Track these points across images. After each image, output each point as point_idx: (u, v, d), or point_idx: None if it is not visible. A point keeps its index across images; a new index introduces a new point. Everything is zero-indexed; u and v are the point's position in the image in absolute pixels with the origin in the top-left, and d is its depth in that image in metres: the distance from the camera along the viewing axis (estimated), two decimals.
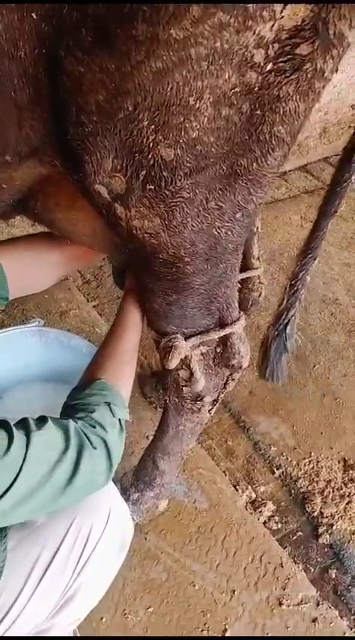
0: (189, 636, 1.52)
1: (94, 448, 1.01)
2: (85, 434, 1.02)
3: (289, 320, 1.37)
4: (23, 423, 0.97)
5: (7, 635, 1.08)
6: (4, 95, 0.86)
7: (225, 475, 1.87)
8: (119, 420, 1.10)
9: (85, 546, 1.12)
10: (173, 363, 1.21)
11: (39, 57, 0.83)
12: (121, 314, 1.28)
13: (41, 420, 0.99)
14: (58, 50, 0.82)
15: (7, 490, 0.89)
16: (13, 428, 0.94)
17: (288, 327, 1.38)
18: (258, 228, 1.39)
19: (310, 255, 1.28)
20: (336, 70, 0.84)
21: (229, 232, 1.01)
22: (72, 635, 1.39)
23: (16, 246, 1.32)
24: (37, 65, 0.84)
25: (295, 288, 1.33)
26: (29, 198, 1.13)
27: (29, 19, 0.79)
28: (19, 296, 1.32)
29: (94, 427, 1.04)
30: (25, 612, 1.08)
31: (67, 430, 0.99)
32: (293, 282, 1.32)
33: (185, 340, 1.22)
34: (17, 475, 0.90)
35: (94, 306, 2.37)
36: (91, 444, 1.01)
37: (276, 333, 1.38)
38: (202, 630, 1.54)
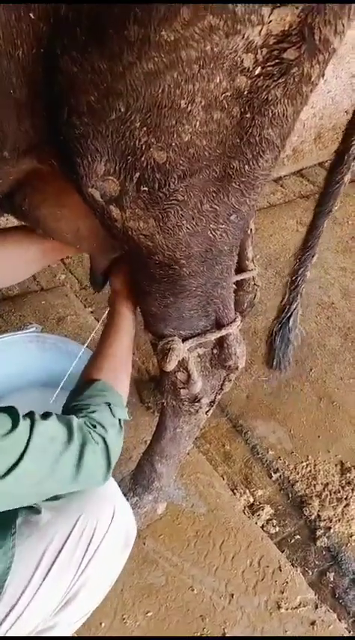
0: (187, 636, 1.51)
1: (96, 444, 1.04)
2: (87, 431, 1.04)
3: (291, 313, 1.44)
4: (28, 414, 1.00)
5: (12, 630, 1.09)
6: (3, 93, 0.88)
7: (223, 479, 1.87)
8: (119, 420, 1.12)
9: (90, 543, 1.14)
10: (171, 365, 1.22)
11: (37, 56, 0.84)
12: (114, 316, 1.29)
13: (45, 415, 1.02)
14: (55, 49, 0.83)
15: (12, 468, 0.91)
16: (19, 414, 0.96)
17: (291, 320, 1.45)
18: (251, 230, 1.41)
19: (308, 253, 1.33)
20: (323, 75, 0.85)
21: (224, 234, 1.03)
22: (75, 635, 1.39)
23: (3, 237, 1.33)
24: (34, 64, 0.85)
25: (295, 284, 1.39)
26: (17, 192, 1.14)
27: (27, 19, 0.81)
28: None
29: (95, 427, 1.06)
30: (31, 607, 1.09)
31: (71, 425, 1.02)
32: (293, 278, 1.38)
33: (182, 342, 1.23)
34: (22, 455, 0.92)
35: (91, 312, 2.38)
36: (93, 439, 1.04)
37: (280, 325, 1.45)
38: (201, 635, 1.53)
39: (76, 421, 1.03)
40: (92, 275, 1.46)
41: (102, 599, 1.28)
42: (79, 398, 1.14)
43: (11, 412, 0.96)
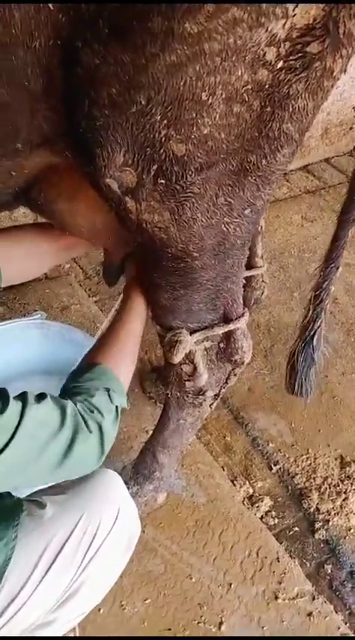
0: (185, 636, 1.52)
1: (90, 432, 1.01)
2: (82, 417, 1.02)
3: (315, 331, 1.35)
4: (22, 396, 0.97)
5: (10, 623, 1.09)
6: (17, 84, 0.87)
7: (223, 470, 1.89)
8: (116, 406, 1.10)
9: (92, 541, 1.13)
10: (178, 357, 1.22)
11: (54, 48, 0.84)
12: (126, 302, 1.28)
13: (40, 396, 0.99)
14: (75, 41, 0.83)
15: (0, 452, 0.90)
16: (10, 396, 0.94)
17: (315, 339, 1.35)
18: (262, 227, 1.40)
19: (332, 265, 1.27)
20: (345, 71, 0.85)
21: (238, 228, 1.03)
22: (73, 630, 1.40)
23: (9, 235, 1.33)
24: (51, 56, 0.85)
25: (319, 299, 1.32)
26: (33, 187, 1.14)
27: (46, 10, 0.80)
28: (11, 284, 1.34)
29: (92, 412, 1.04)
30: (30, 602, 1.09)
31: (65, 410, 0.99)
32: (317, 293, 1.31)
33: (190, 335, 1.23)
34: (8, 441, 0.90)
35: (96, 302, 2.38)
36: (88, 427, 1.01)
37: (303, 345, 1.36)
38: (198, 622, 1.55)
39: (70, 407, 1.01)
40: (106, 270, 1.45)
41: (102, 597, 1.28)
42: (79, 379, 1.12)
43: (3, 394, 0.94)
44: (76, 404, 1.04)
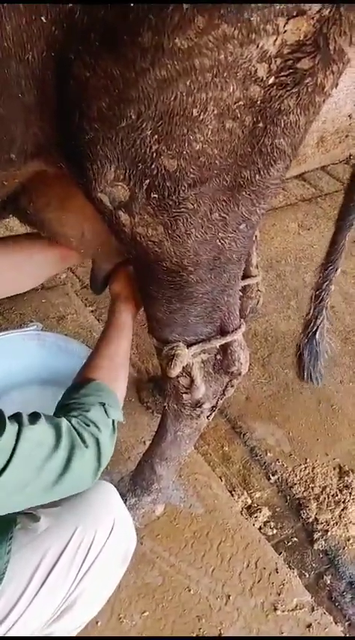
0: (184, 636, 1.52)
1: (86, 447, 1.01)
2: (78, 432, 1.02)
3: (317, 327, 1.46)
4: (16, 417, 0.97)
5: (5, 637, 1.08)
6: (11, 95, 0.87)
7: (221, 480, 1.88)
8: (112, 420, 1.10)
9: (86, 555, 1.13)
10: (175, 371, 1.22)
11: (47, 60, 0.84)
12: (114, 317, 1.28)
13: (34, 417, 0.99)
14: (68, 53, 0.83)
15: None
16: (6, 419, 0.94)
17: (317, 334, 1.47)
18: (256, 236, 1.41)
19: (331, 267, 1.36)
20: (336, 86, 0.85)
21: (233, 243, 1.03)
22: None
23: (4, 246, 1.33)
24: (45, 68, 0.85)
25: (320, 298, 1.42)
26: (22, 196, 1.14)
27: (38, 22, 0.81)
28: (3, 297, 1.34)
29: (88, 425, 1.04)
30: (24, 617, 1.09)
31: (59, 428, 0.99)
32: (317, 293, 1.41)
33: (187, 348, 1.23)
34: (6, 466, 0.90)
35: (92, 311, 2.38)
36: (84, 442, 1.01)
37: (307, 340, 1.48)
38: (197, 635, 1.54)
39: (64, 424, 1.00)
40: (93, 279, 1.46)
41: (98, 610, 1.27)
42: (74, 396, 1.12)
43: None
44: (71, 419, 1.04)
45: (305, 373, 1.53)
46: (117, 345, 1.24)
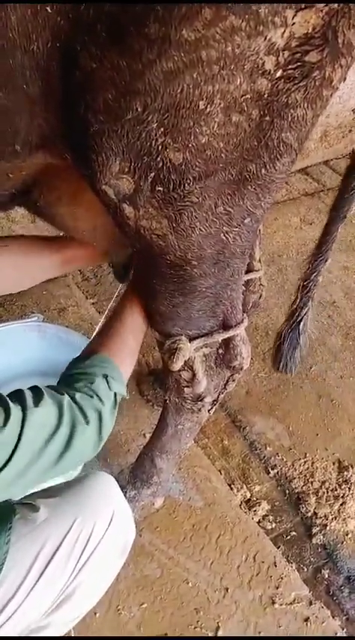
0: (185, 636, 1.52)
1: (87, 423, 1.00)
2: (81, 406, 1.01)
3: (302, 317, 1.45)
4: (19, 398, 0.96)
5: (4, 628, 1.09)
6: (15, 87, 0.87)
7: (221, 474, 1.89)
8: (115, 393, 1.09)
9: (85, 546, 1.13)
10: (177, 365, 1.22)
11: (52, 50, 0.83)
12: (130, 302, 1.26)
13: (37, 395, 0.98)
14: (74, 45, 0.82)
15: (3, 467, 0.89)
16: (10, 404, 0.93)
17: (301, 324, 1.47)
18: (260, 230, 1.40)
19: (321, 258, 1.35)
20: (344, 80, 0.84)
21: (237, 237, 1.02)
22: (68, 634, 1.40)
23: (9, 245, 1.32)
24: (50, 59, 0.84)
25: (307, 289, 1.41)
26: (33, 190, 1.14)
27: (43, 13, 0.80)
28: (4, 294, 1.33)
29: (92, 397, 1.03)
30: (23, 607, 1.09)
31: (62, 406, 0.98)
32: (305, 283, 1.40)
33: (189, 342, 1.22)
34: (13, 453, 0.90)
35: (93, 304, 2.38)
36: (85, 417, 1.00)
37: (290, 329, 1.47)
38: (195, 627, 1.55)
39: (66, 400, 0.99)
40: (114, 268, 1.46)
41: (97, 601, 1.28)
42: (79, 366, 1.12)
43: (3, 403, 0.92)
44: (75, 392, 1.03)
45: (281, 362, 1.54)
46: (130, 326, 1.23)
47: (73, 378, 1.08)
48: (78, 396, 1.02)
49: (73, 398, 1.01)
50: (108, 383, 1.08)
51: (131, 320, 1.24)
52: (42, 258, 1.32)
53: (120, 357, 1.17)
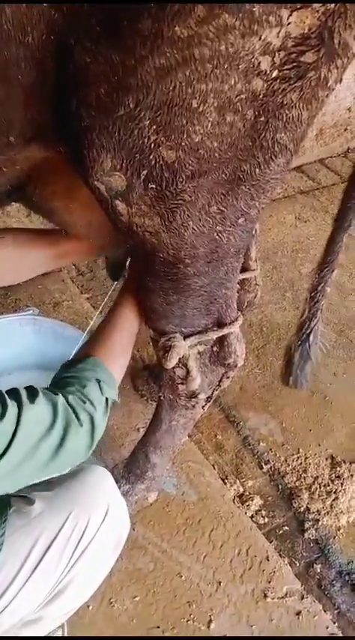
0: (178, 636, 1.53)
1: (81, 425, 1.01)
2: (74, 409, 1.01)
3: (312, 329, 1.42)
4: (15, 396, 0.96)
5: None
6: (10, 78, 0.86)
7: (214, 469, 1.90)
8: (106, 398, 1.09)
9: (80, 540, 1.13)
10: (172, 362, 1.22)
11: (47, 43, 0.83)
12: (123, 302, 1.26)
13: (32, 393, 0.98)
14: (69, 38, 0.82)
15: None
16: (7, 399, 0.93)
17: (311, 336, 1.43)
18: (256, 230, 1.40)
19: (327, 268, 1.33)
20: (340, 81, 0.84)
21: (231, 237, 1.02)
22: (61, 627, 1.41)
23: (5, 237, 1.32)
24: (44, 51, 0.83)
25: (315, 300, 1.39)
26: (28, 185, 1.13)
27: (38, 6, 0.79)
28: None
29: (84, 402, 1.04)
30: (17, 599, 1.09)
31: (56, 405, 0.98)
32: (312, 295, 1.38)
33: (183, 340, 1.22)
34: (8, 446, 0.90)
35: (88, 298, 2.38)
36: (79, 419, 1.01)
37: (299, 342, 1.43)
38: (187, 620, 1.56)
39: (61, 400, 1.00)
40: (108, 267, 1.46)
41: (90, 595, 1.28)
42: (71, 370, 1.12)
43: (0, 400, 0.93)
44: (68, 395, 1.03)
45: (292, 377, 1.48)
46: (123, 329, 1.23)
47: (64, 382, 1.09)
48: (71, 398, 1.03)
49: (66, 400, 1.02)
50: (100, 388, 1.08)
51: (124, 322, 1.24)
52: (37, 250, 1.32)
53: (112, 360, 1.17)
